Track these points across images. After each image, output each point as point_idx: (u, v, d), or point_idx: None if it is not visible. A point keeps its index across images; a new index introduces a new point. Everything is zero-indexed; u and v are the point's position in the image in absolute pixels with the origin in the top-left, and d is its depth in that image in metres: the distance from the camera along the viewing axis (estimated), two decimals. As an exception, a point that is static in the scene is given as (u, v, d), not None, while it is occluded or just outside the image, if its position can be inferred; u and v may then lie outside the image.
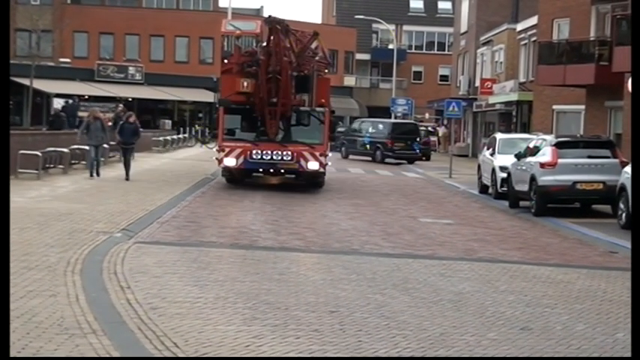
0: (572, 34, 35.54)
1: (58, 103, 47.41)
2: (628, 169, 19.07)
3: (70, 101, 47.07)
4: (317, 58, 26.89)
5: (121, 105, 48.18)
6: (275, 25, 23.58)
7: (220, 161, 24.75)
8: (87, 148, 26.21)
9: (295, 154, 24.37)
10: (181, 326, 8.44)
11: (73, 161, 27.73)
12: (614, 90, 29.75)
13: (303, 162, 24.40)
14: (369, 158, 45.10)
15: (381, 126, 46.38)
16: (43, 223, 14.98)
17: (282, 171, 25.20)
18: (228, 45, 26.23)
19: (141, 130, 28.29)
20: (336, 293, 10.52)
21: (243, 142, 24.56)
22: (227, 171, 25.47)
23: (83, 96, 53.81)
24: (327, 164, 25.17)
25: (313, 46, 26.75)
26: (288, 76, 24.17)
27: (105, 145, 27.45)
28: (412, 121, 53.50)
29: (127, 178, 25.13)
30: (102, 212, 17.08)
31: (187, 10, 69.44)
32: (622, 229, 18.23)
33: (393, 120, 52.43)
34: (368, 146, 45.60)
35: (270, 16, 24.22)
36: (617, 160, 20.89)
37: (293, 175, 25.86)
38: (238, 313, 9.20)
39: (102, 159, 27.27)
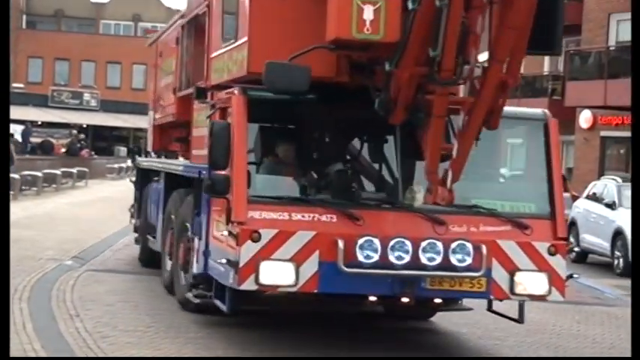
0: (526, 69, 35.91)
1: (14, 131, 46.84)
2: (578, 203, 19.33)
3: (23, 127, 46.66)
4: None
5: (75, 131, 47.93)
6: None
7: (245, 273, 7.72)
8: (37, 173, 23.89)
9: (486, 247, 8.10)
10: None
11: (22, 187, 27.34)
12: (566, 124, 29.99)
13: (499, 272, 8.23)
14: None
15: None
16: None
17: (439, 300, 9.20)
18: None
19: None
20: None
21: (320, 209, 8.02)
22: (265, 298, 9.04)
23: (36, 122, 53.30)
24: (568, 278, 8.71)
25: None
26: None
27: None
28: None
29: None
30: None
31: (146, 37, 69.28)
32: (572, 263, 18.42)
33: None
34: None
35: None
36: (568, 194, 21.11)
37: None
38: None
39: None
